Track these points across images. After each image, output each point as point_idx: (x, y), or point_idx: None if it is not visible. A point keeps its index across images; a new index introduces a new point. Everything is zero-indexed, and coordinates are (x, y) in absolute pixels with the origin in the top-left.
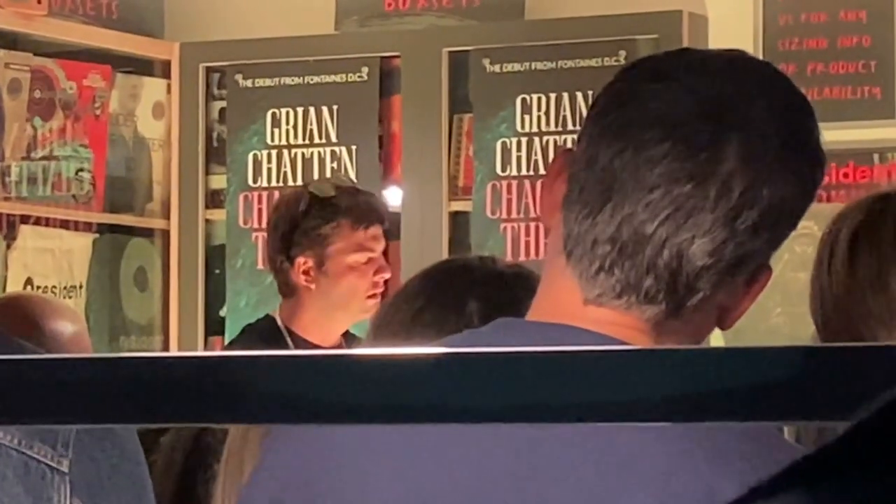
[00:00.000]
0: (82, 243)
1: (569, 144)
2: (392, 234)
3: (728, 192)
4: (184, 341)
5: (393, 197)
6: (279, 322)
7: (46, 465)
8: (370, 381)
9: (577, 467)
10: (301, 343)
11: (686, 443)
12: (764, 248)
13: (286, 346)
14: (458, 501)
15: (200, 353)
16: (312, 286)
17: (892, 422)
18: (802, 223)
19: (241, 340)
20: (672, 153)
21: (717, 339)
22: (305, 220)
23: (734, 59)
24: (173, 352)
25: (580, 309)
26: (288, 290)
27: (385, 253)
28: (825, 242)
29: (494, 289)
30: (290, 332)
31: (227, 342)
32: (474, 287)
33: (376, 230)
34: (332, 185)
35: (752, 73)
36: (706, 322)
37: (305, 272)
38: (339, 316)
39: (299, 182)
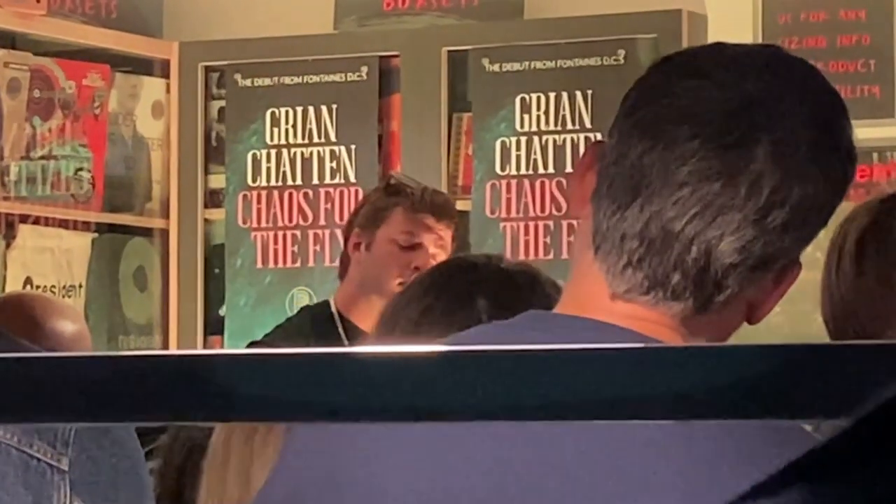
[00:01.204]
0: (81, 243)
1: (567, 144)
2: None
3: (758, 190)
4: (183, 341)
5: None
6: (332, 305)
7: (47, 463)
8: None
9: (597, 466)
10: (349, 326)
11: (710, 445)
12: (793, 246)
13: (333, 329)
14: (478, 497)
15: (200, 351)
16: (357, 260)
17: (892, 419)
18: None
19: (293, 319)
20: (702, 151)
21: None
22: (371, 200)
23: (767, 56)
24: (173, 350)
25: (607, 303)
26: (343, 268)
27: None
28: (833, 246)
29: (502, 286)
30: (341, 316)
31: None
32: (482, 285)
33: (431, 221)
34: (412, 179)
35: (785, 70)
36: (734, 318)
37: (356, 245)
38: (374, 299)
39: (298, 182)
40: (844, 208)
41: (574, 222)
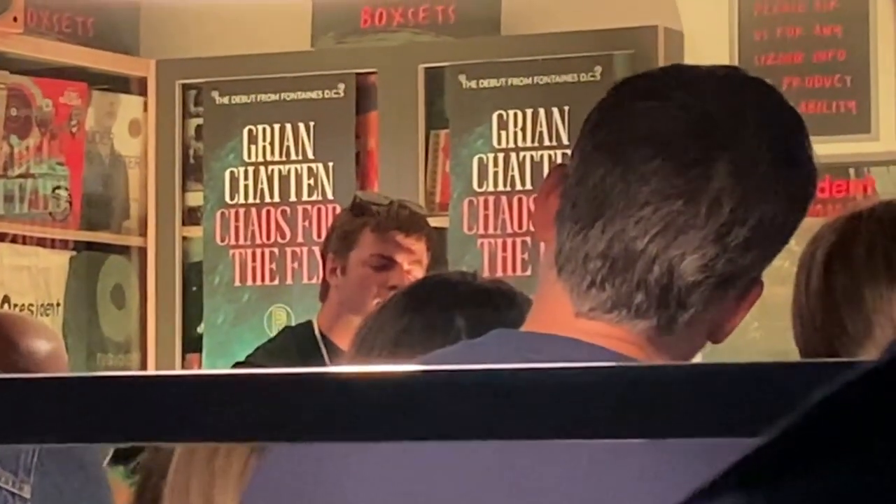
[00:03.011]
0: (59, 261)
1: (545, 160)
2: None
3: (718, 208)
4: (161, 359)
5: None
6: (315, 325)
7: (8, 491)
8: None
9: (561, 481)
10: (331, 347)
11: (695, 464)
12: (755, 264)
13: (316, 349)
14: None
15: (177, 371)
16: (335, 284)
17: (818, 427)
18: None
19: (277, 340)
20: (662, 170)
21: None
22: (340, 223)
23: (726, 76)
24: (150, 370)
25: (572, 321)
26: (323, 291)
27: (420, 264)
28: (802, 263)
29: (478, 304)
30: (324, 337)
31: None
32: (459, 303)
33: (401, 237)
34: (380, 195)
35: (744, 89)
36: (698, 337)
37: (332, 270)
38: (354, 320)
39: (276, 199)
40: (816, 224)
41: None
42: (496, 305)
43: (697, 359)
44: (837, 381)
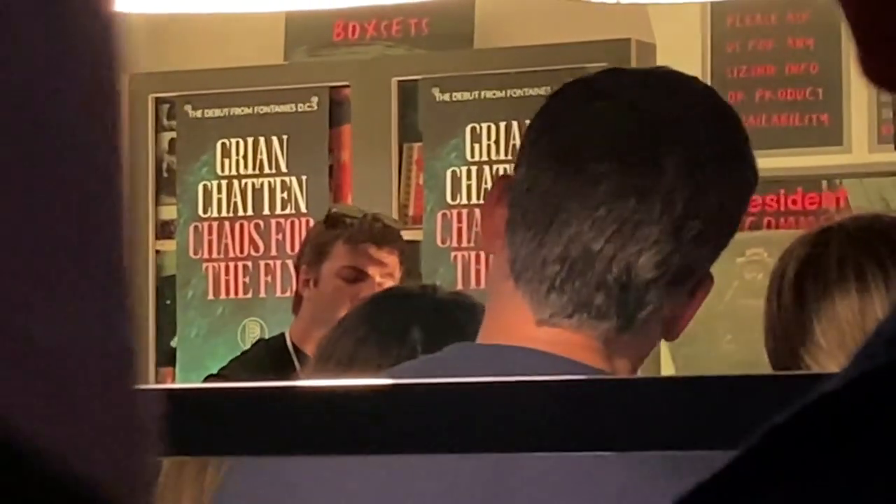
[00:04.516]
0: None
1: None
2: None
3: (671, 203)
4: None
5: None
6: (288, 338)
7: None
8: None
9: (519, 495)
10: (303, 359)
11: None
12: (706, 257)
13: (289, 362)
14: None
15: (150, 386)
16: (307, 297)
17: (788, 441)
18: (752, 250)
19: (250, 352)
20: (614, 170)
21: (668, 367)
22: (314, 235)
23: (664, 75)
24: None
25: (532, 330)
26: (296, 303)
27: (392, 277)
28: (773, 279)
29: (436, 317)
30: (296, 349)
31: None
32: (416, 316)
33: (373, 250)
34: (353, 208)
35: (682, 88)
36: (654, 335)
37: (305, 282)
38: (324, 331)
39: (249, 212)
40: (789, 237)
41: None
42: (454, 318)
43: (670, 371)
44: (808, 395)
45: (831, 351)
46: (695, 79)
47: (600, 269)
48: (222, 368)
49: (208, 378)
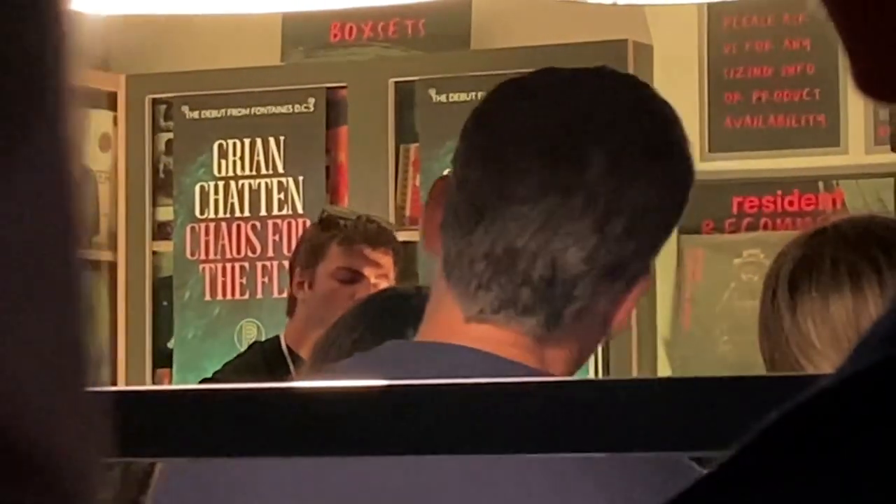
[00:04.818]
0: None
1: None
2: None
3: (594, 199)
4: (131, 373)
5: None
6: (282, 341)
7: None
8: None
9: (470, 497)
10: (298, 362)
11: (585, 481)
12: (638, 254)
13: (284, 364)
14: None
15: (147, 387)
16: (302, 299)
17: (775, 444)
18: (749, 251)
19: (244, 355)
20: (537, 166)
21: (664, 368)
22: (308, 237)
23: (597, 74)
24: (120, 386)
25: (462, 327)
26: (290, 305)
27: (387, 278)
28: (768, 279)
29: None
30: (291, 352)
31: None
32: (412, 316)
33: (368, 251)
34: (347, 210)
35: (613, 85)
36: (591, 332)
37: (299, 284)
38: (319, 332)
39: (246, 213)
40: (784, 238)
41: None
42: None
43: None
44: (801, 395)
45: (825, 351)
46: (631, 77)
47: (525, 265)
48: (217, 372)
49: (203, 382)
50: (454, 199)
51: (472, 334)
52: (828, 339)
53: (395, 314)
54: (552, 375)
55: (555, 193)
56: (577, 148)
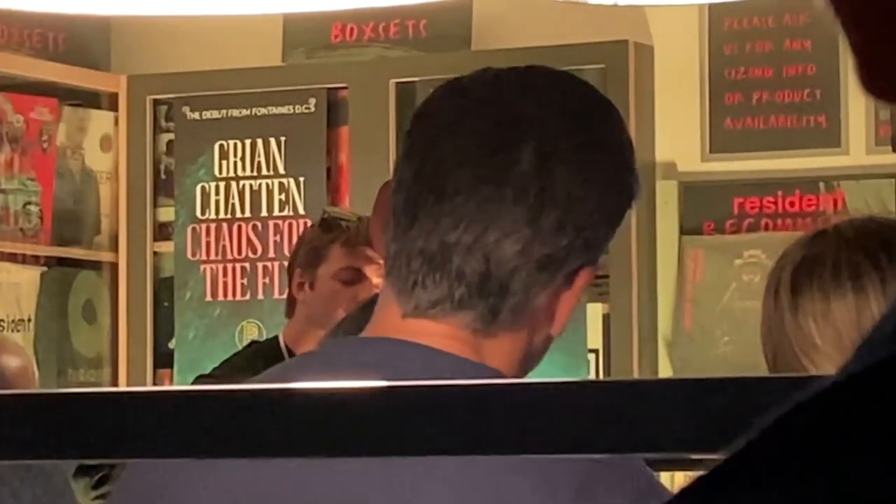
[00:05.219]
0: (30, 276)
1: None
2: None
3: (525, 192)
4: (132, 374)
5: None
6: (281, 340)
7: None
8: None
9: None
10: None
11: (519, 480)
12: (578, 248)
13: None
14: None
15: (148, 388)
16: (302, 300)
17: (779, 443)
18: (750, 252)
19: (242, 354)
20: (468, 160)
21: (665, 369)
22: (309, 239)
23: (529, 72)
24: (121, 386)
25: (399, 323)
26: (289, 307)
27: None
28: (770, 281)
29: None
30: (289, 351)
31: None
32: None
33: (370, 252)
34: (348, 212)
35: (545, 81)
36: (533, 327)
37: (300, 285)
38: (319, 334)
39: (247, 214)
40: (786, 238)
41: None
42: None
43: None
44: (799, 396)
45: (828, 351)
46: (565, 73)
47: (459, 260)
48: (214, 369)
49: (198, 378)
50: (394, 199)
51: (410, 329)
52: (830, 338)
53: None
54: (492, 369)
55: (486, 187)
56: (508, 142)
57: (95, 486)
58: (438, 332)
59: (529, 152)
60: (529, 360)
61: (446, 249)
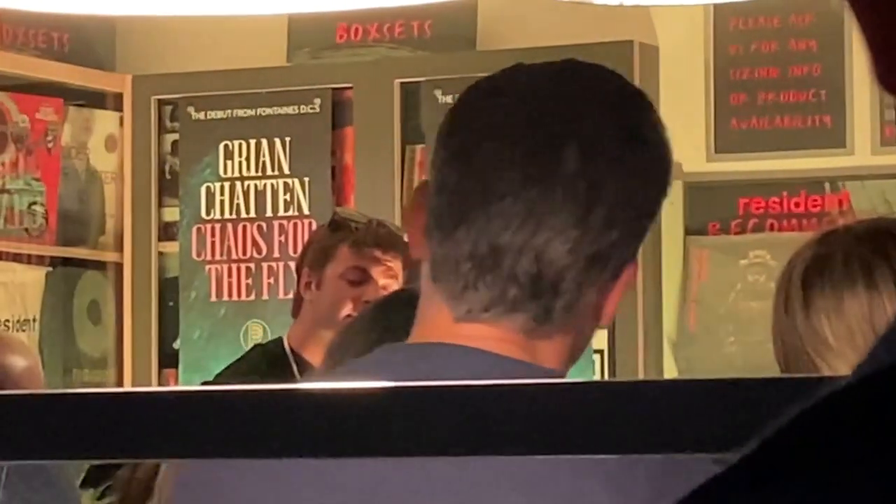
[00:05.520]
0: (35, 277)
1: None
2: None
3: (573, 191)
4: (137, 374)
5: None
6: (286, 342)
7: None
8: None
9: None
10: (301, 364)
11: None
12: (622, 242)
13: (287, 366)
14: None
15: (149, 388)
16: (308, 299)
17: (793, 444)
18: (755, 252)
19: (247, 357)
20: (514, 162)
21: (670, 369)
22: (317, 238)
23: (565, 68)
24: (126, 387)
25: (452, 327)
26: (296, 306)
27: (396, 281)
28: (781, 281)
29: None
30: (294, 353)
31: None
32: None
33: (378, 253)
34: (358, 213)
35: (582, 76)
36: (584, 324)
37: (307, 285)
38: (327, 335)
39: (252, 214)
40: (793, 239)
41: None
42: None
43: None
44: (814, 397)
45: (841, 349)
46: (600, 67)
47: (510, 262)
48: (218, 375)
49: (205, 385)
50: (435, 203)
51: (463, 333)
52: (843, 335)
53: (410, 315)
54: (547, 370)
55: (534, 187)
56: (551, 141)
57: (101, 497)
58: (493, 336)
59: (573, 150)
60: (577, 354)
61: (497, 252)
